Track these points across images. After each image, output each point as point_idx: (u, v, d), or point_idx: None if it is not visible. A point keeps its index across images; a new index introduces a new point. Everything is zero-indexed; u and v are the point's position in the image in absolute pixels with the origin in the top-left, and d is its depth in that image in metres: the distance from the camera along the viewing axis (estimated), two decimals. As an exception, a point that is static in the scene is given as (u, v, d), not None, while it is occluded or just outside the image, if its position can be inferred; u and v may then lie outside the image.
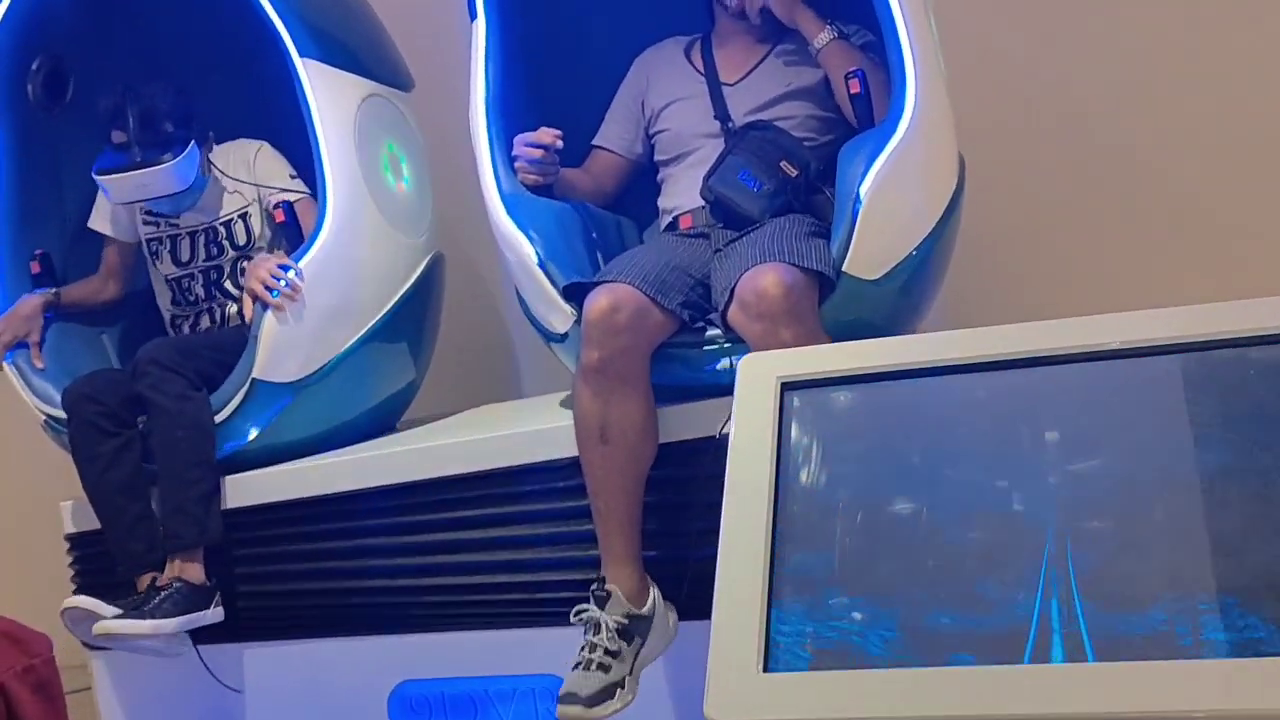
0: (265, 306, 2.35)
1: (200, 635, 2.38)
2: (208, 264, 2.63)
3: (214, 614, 2.32)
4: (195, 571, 2.30)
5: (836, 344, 1.83)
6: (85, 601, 2.25)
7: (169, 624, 2.23)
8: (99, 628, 2.20)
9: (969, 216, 2.31)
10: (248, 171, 2.60)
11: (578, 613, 1.99)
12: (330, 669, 2.42)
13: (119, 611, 2.25)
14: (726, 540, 1.49)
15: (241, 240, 2.63)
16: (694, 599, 2.06)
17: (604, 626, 1.95)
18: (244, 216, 2.62)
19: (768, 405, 1.57)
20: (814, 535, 1.47)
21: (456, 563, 2.31)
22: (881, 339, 1.95)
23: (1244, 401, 1.41)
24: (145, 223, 2.67)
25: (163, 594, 2.25)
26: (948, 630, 1.35)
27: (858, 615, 1.40)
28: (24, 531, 3.09)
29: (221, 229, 2.64)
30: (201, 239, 2.63)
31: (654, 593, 2.05)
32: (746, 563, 1.45)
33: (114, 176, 2.45)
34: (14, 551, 3.22)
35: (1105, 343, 1.50)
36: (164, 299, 2.69)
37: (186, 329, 2.65)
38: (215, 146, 2.62)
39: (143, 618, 2.21)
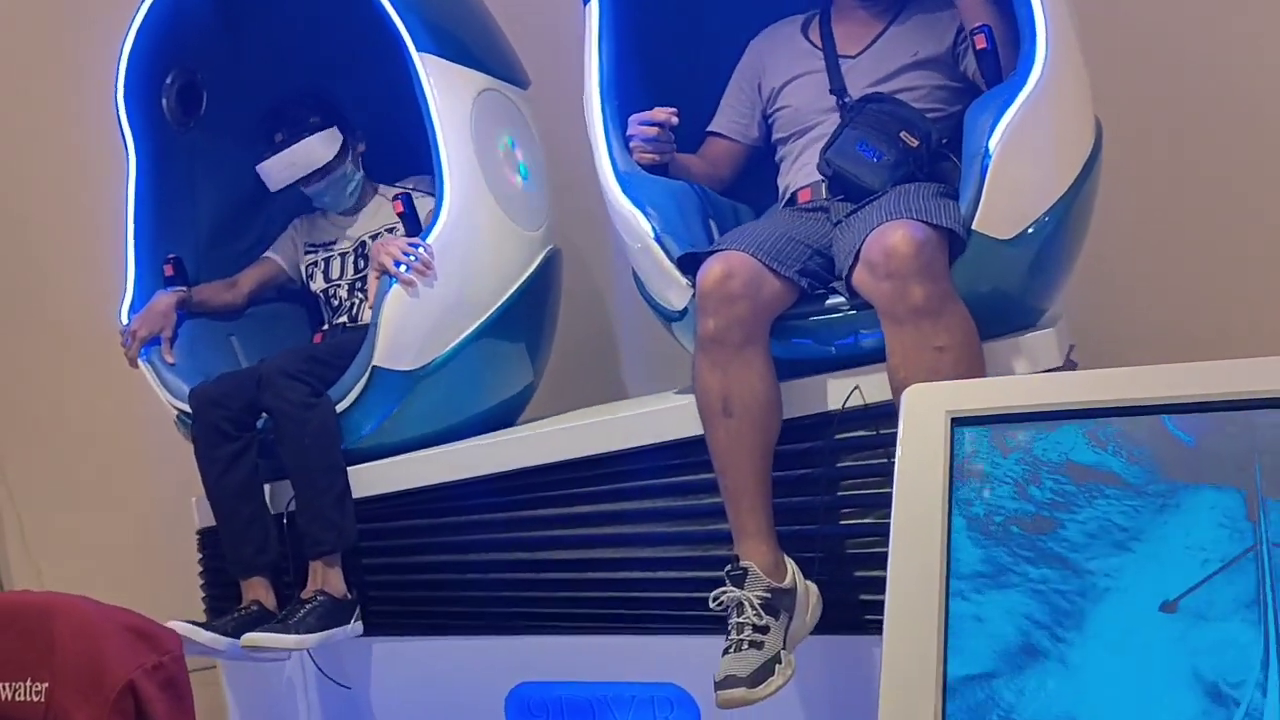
0: (392, 282, 2.35)
1: None
2: (355, 276, 2.73)
3: (354, 629, 2.34)
4: (336, 582, 2.33)
5: (1011, 377, 1.71)
6: (181, 628, 2.22)
7: (311, 639, 2.26)
8: (247, 640, 2.22)
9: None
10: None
11: (716, 597, 1.91)
12: (449, 667, 2.40)
13: (214, 636, 2.27)
14: (895, 587, 1.37)
15: None
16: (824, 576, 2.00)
17: (748, 604, 1.87)
18: (391, 231, 2.70)
19: (938, 442, 1.43)
20: (994, 590, 1.35)
21: (579, 560, 2.27)
22: (1060, 374, 1.85)
23: None
24: (306, 252, 2.80)
25: (306, 607, 2.28)
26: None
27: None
28: (157, 526, 3.14)
29: (369, 241, 2.73)
30: (350, 258, 2.74)
31: (792, 567, 1.96)
32: (919, 616, 1.34)
33: (268, 161, 2.66)
34: (147, 545, 3.28)
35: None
36: (317, 308, 2.81)
37: (327, 326, 2.73)
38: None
39: (287, 631, 2.24)
